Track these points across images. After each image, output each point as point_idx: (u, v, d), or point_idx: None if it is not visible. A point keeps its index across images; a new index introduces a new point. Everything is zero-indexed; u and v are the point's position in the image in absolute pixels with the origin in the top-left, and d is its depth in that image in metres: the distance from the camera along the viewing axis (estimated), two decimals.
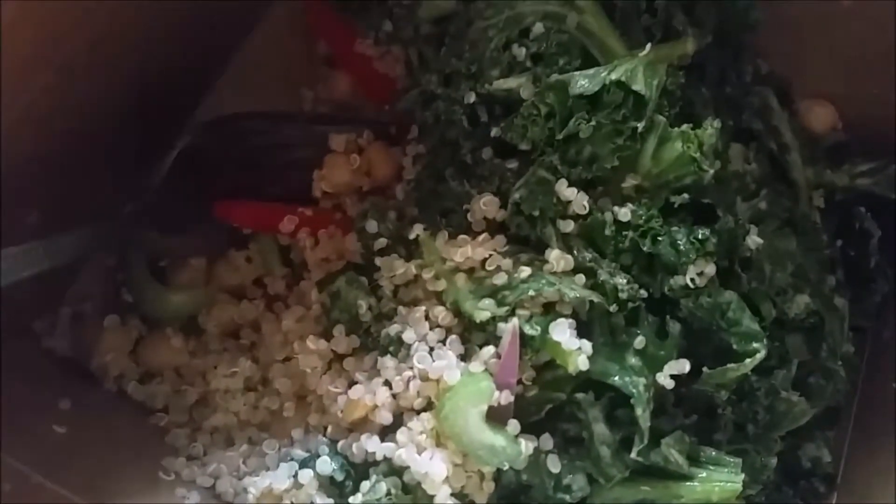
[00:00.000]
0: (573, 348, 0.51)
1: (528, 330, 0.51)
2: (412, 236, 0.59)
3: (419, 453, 0.52)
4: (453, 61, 0.62)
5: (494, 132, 0.60)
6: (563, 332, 0.51)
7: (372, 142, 0.69)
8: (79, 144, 0.59)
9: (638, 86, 0.54)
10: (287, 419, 0.61)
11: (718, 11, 0.64)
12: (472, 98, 0.60)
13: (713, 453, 0.57)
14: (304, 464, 0.55)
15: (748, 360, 0.54)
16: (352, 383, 0.57)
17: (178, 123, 0.67)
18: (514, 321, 0.52)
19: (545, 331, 0.52)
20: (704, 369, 0.55)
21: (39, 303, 0.65)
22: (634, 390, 0.52)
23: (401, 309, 0.57)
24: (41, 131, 0.56)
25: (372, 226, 0.60)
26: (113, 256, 0.67)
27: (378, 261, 0.60)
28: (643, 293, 0.55)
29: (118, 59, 0.59)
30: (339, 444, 0.56)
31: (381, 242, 0.60)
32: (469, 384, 0.51)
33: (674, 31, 0.61)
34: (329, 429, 0.57)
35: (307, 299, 0.64)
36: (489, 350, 0.53)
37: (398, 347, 0.55)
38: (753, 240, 0.59)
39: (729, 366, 0.54)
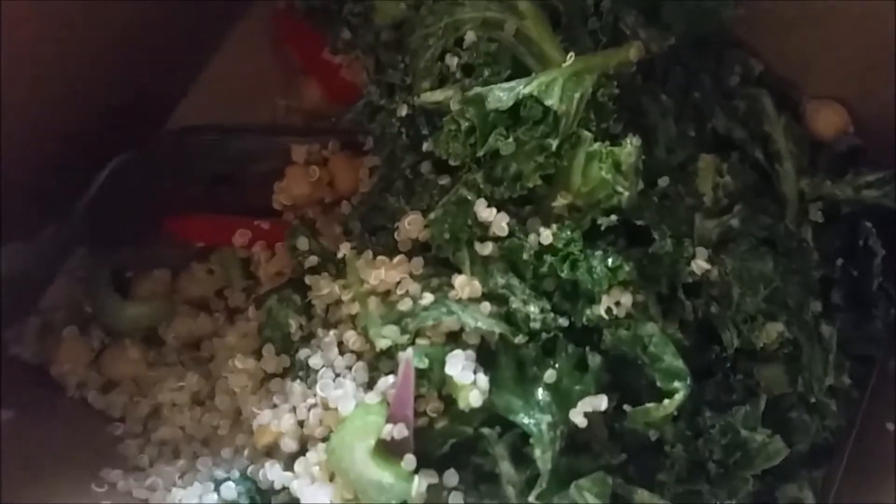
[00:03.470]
0: (466, 382, 0.48)
1: (416, 362, 0.48)
2: (340, 255, 0.57)
3: (311, 485, 0.50)
4: (390, 72, 0.59)
5: (426, 147, 0.57)
6: (456, 365, 0.48)
7: (337, 152, 0.67)
8: (36, 152, 0.61)
9: (551, 100, 0.50)
10: (222, 437, 0.61)
11: (687, 11, 0.59)
12: (404, 111, 0.58)
13: (645, 496, 0.52)
14: (216, 486, 0.55)
15: (667, 402, 0.49)
16: (275, 406, 0.56)
17: (143, 135, 0.68)
18: (409, 351, 0.49)
19: (442, 362, 0.49)
20: (626, 407, 0.51)
21: (13, 310, 0.68)
22: (536, 429, 0.49)
23: (319, 331, 0.56)
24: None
25: (303, 242, 0.59)
26: (83, 268, 0.68)
27: (307, 279, 0.58)
28: (562, 322, 0.51)
29: (85, 69, 0.60)
30: (249, 469, 0.55)
31: (312, 260, 0.59)
32: (358, 417, 0.49)
33: (623, 36, 0.56)
34: (246, 451, 0.56)
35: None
36: (387, 380, 0.51)
37: (307, 372, 0.54)
38: (698, 264, 0.54)
39: (649, 405, 0.50)
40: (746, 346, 0.57)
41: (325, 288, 0.57)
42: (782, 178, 0.63)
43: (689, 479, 0.56)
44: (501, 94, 0.51)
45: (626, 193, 0.49)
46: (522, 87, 0.51)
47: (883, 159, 0.66)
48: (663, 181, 0.56)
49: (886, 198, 0.63)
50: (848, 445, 0.63)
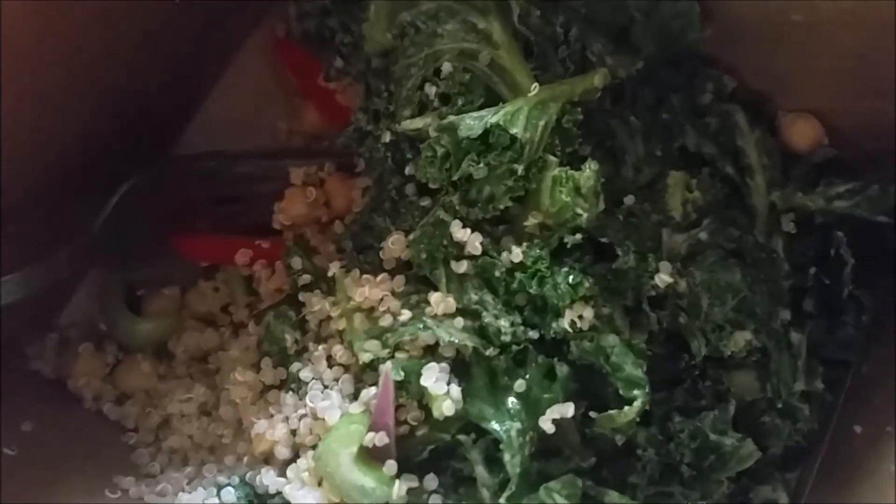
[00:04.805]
0: (440, 393, 0.52)
1: (393, 375, 0.52)
2: (330, 273, 0.61)
3: (301, 489, 0.54)
4: (375, 100, 0.63)
5: (408, 170, 0.61)
6: (430, 377, 0.52)
7: (333, 173, 0.71)
8: (51, 171, 0.65)
9: (516, 129, 0.53)
10: (226, 445, 0.65)
11: (655, 34, 0.62)
12: (387, 137, 0.61)
13: (615, 497, 0.56)
14: (218, 491, 0.59)
15: (627, 409, 0.52)
16: (271, 416, 0.60)
17: (149, 157, 0.72)
18: (388, 365, 0.53)
19: (418, 374, 0.53)
20: (591, 414, 0.54)
21: (34, 328, 0.73)
22: (506, 435, 0.52)
23: (310, 345, 0.59)
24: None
25: (297, 262, 0.63)
26: (98, 287, 0.73)
27: (301, 296, 0.62)
28: (532, 335, 0.55)
29: (95, 99, 0.64)
30: (248, 475, 0.59)
31: (305, 278, 0.62)
32: (342, 426, 0.53)
33: (590, 63, 0.59)
34: (246, 458, 0.60)
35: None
36: (370, 391, 0.54)
37: (299, 385, 0.58)
38: (662, 278, 0.57)
39: (612, 412, 0.53)
40: (715, 354, 0.60)
41: (316, 305, 0.60)
42: (753, 191, 0.65)
43: (661, 481, 0.59)
44: (472, 123, 0.55)
45: (586, 215, 0.52)
46: (490, 117, 0.54)
47: (857, 168, 0.68)
48: (629, 200, 0.59)
49: (857, 208, 0.65)
50: (822, 448, 0.65)
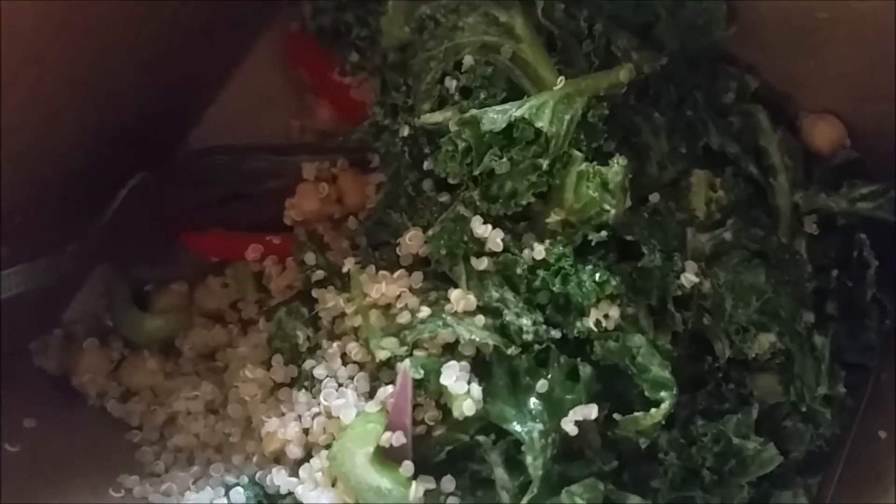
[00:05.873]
0: (460, 392, 0.50)
1: (412, 373, 0.51)
2: (345, 269, 0.60)
3: (314, 490, 0.53)
4: (393, 93, 0.62)
5: (426, 165, 0.59)
6: (450, 376, 0.51)
7: (346, 169, 0.70)
8: (60, 168, 0.64)
9: (542, 122, 0.52)
10: (234, 444, 0.63)
11: (679, 31, 0.61)
12: (405, 131, 0.60)
13: (636, 500, 0.54)
14: (226, 491, 0.57)
15: (654, 411, 0.51)
16: (283, 414, 0.59)
17: (158, 152, 0.71)
18: (406, 363, 0.51)
19: (438, 373, 0.51)
20: (615, 416, 0.53)
21: (39, 324, 0.71)
22: (528, 437, 0.51)
23: (324, 343, 0.58)
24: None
25: (310, 257, 0.62)
26: (104, 282, 0.71)
27: (314, 292, 0.61)
28: (555, 334, 0.53)
29: (107, 94, 0.63)
30: (258, 475, 0.57)
31: (319, 274, 0.61)
32: (358, 425, 0.52)
33: (615, 58, 0.58)
34: (255, 458, 0.59)
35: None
36: (386, 390, 0.53)
37: (312, 382, 0.56)
38: (688, 277, 0.55)
39: (637, 414, 0.52)
40: (738, 357, 0.59)
41: (330, 301, 0.59)
42: (776, 191, 0.64)
43: (682, 486, 0.58)
44: (495, 117, 0.54)
45: (613, 211, 0.51)
46: (515, 110, 0.53)
47: (879, 171, 0.67)
48: (654, 197, 0.58)
49: (880, 210, 0.65)
50: (843, 453, 0.64)
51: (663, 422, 0.52)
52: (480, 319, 0.53)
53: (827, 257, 0.66)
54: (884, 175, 0.67)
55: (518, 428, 0.51)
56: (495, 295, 0.54)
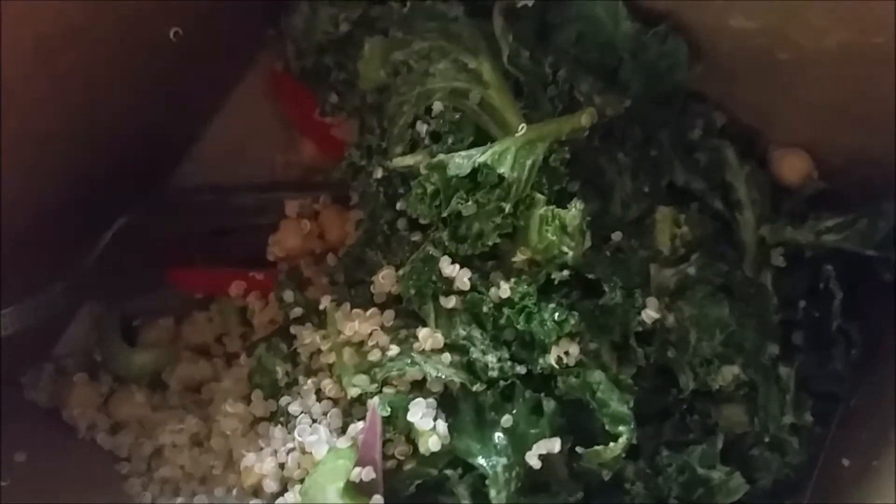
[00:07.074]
0: (426, 429, 0.52)
1: (380, 410, 0.52)
2: (322, 307, 0.62)
3: None
4: (368, 136, 0.64)
5: (399, 206, 0.61)
6: (417, 413, 0.52)
7: (328, 205, 0.72)
8: (48, 207, 0.66)
9: (503, 168, 0.54)
10: (217, 476, 0.65)
11: (643, 73, 0.63)
12: (380, 173, 0.62)
13: None
14: None
15: (612, 445, 0.52)
16: (260, 449, 0.61)
17: (145, 190, 0.73)
18: (375, 400, 0.53)
19: (405, 410, 0.53)
20: (578, 449, 0.54)
21: (30, 358, 0.73)
22: (492, 471, 0.53)
23: (301, 378, 0.60)
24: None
25: (288, 295, 0.64)
26: (93, 318, 0.74)
27: (292, 329, 0.63)
28: (520, 370, 0.55)
29: (86, 127, 0.64)
30: None
31: (297, 311, 0.63)
32: (329, 461, 0.53)
33: (578, 102, 0.60)
34: (235, 491, 0.61)
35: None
36: (357, 426, 0.55)
37: (287, 418, 0.58)
38: (648, 314, 0.57)
39: (598, 448, 0.53)
40: (703, 388, 0.60)
41: (307, 338, 0.61)
42: (742, 226, 0.66)
43: None
44: (461, 161, 0.56)
45: (572, 253, 0.53)
46: (479, 156, 0.55)
47: (848, 202, 0.68)
48: (616, 236, 0.60)
49: (847, 241, 0.66)
50: (812, 480, 0.65)
51: (624, 454, 0.53)
52: (447, 357, 0.55)
53: (795, 289, 0.67)
54: (851, 203, 0.68)
55: (483, 462, 0.53)
56: (462, 333, 0.56)
